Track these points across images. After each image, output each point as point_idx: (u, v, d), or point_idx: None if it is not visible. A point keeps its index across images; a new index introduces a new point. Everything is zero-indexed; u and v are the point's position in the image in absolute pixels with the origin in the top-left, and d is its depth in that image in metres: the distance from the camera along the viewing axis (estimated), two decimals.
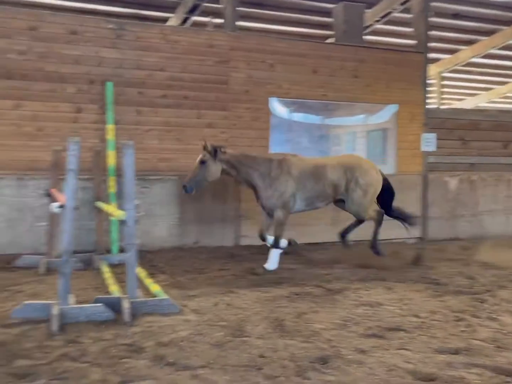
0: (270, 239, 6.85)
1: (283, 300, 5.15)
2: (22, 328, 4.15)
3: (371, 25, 12.12)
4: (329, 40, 12.24)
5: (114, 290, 5.03)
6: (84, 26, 7.51)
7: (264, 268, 6.58)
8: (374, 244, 7.21)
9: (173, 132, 7.99)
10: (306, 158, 7.25)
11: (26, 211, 7.19)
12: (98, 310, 4.37)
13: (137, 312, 4.46)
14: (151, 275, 5.66)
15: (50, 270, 6.18)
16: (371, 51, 9.36)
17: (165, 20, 11.63)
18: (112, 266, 6.32)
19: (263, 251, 7.03)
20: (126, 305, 4.40)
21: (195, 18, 11.28)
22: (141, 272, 5.66)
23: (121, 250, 7.22)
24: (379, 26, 12.45)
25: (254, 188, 6.86)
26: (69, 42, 7.43)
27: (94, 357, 3.59)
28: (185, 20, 11.32)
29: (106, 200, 7.11)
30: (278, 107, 10.46)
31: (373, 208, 7.21)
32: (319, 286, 5.75)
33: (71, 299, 4.50)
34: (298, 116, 11.77)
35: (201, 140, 6.68)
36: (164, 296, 4.78)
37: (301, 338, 4.00)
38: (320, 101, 9.20)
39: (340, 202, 7.26)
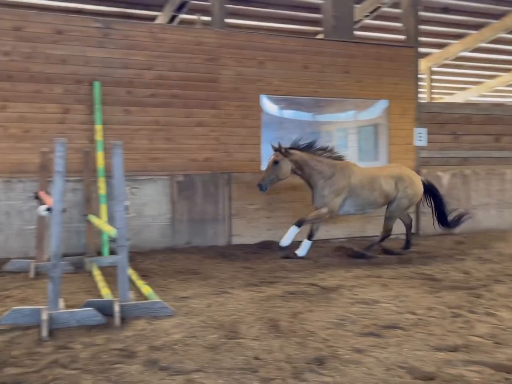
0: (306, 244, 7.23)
1: (278, 299, 5.07)
2: (11, 334, 4.04)
3: (360, 20, 12.07)
4: (319, 36, 12.17)
5: (106, 293, 4.93)
6: (70, 26, 7.39)
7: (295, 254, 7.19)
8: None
9: (162, 132, 7.90)
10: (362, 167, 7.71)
11: (13, 215, 7.07)
12: (89, 314, 4.27)
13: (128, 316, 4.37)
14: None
15: (40, 274, 6.07)
16: (361, 47, 9.30)
17: (152, 18, 11.53)
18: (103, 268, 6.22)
19: None
20: (116, 308, 4.31)
21: (183, 16, 11.18)
22: (132, 274, 5.58)
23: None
24: (368, 21, 12.40)
25: (312, 188, 7.28)
26: (55, 42, 7.31)
27: (85, 363, 3.50)
28: (172, 19, 11.23)
29: (97, 202, 7.02)
30: (268, 104, 10.37)
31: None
32: (313, 284, 5.68)
33: (61, 303, 4.39)
34: (289, 113, 11.69)
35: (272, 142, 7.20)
36: (156, 298, 4.69)
37: (297, 339, 3.92)
38: (311, 97, 9.11)
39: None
